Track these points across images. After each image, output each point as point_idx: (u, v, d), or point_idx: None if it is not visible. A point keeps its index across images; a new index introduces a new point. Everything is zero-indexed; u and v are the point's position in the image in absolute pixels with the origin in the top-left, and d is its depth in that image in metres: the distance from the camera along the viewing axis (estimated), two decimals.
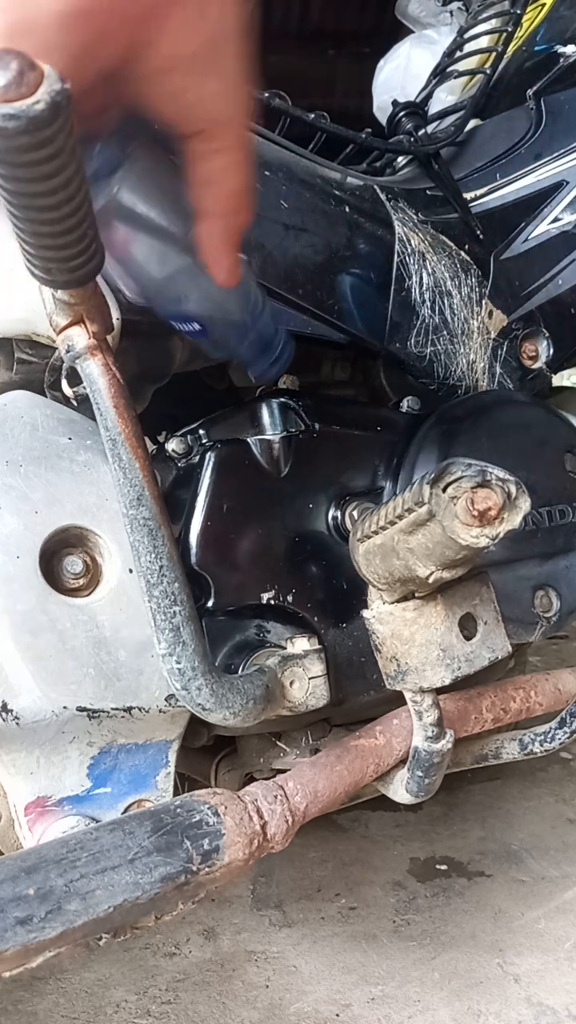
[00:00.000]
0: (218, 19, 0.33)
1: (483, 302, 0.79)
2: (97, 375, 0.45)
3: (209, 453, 0.62)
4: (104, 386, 0.45)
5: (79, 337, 0.44)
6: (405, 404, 0.76)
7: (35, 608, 0.52)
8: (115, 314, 0.53)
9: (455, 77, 0.97)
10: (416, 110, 0.91)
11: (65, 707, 0.52)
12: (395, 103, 0.92)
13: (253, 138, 0.37)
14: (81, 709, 0.53)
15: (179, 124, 0.37)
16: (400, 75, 1.48)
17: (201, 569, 0.60)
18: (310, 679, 0.61)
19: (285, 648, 0.62)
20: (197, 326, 0.54)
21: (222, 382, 0.77)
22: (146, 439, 0.56)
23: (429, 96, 0.96)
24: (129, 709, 0.54)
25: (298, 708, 0.60)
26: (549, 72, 0.87)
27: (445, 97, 1.00)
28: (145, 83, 0.34)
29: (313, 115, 0.75)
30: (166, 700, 0.56)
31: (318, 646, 0.62)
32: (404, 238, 0.74)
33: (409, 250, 0.74)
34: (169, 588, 0.47)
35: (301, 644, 0.62)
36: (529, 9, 0.93)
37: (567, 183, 0.83)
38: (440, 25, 1.56)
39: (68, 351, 0.45)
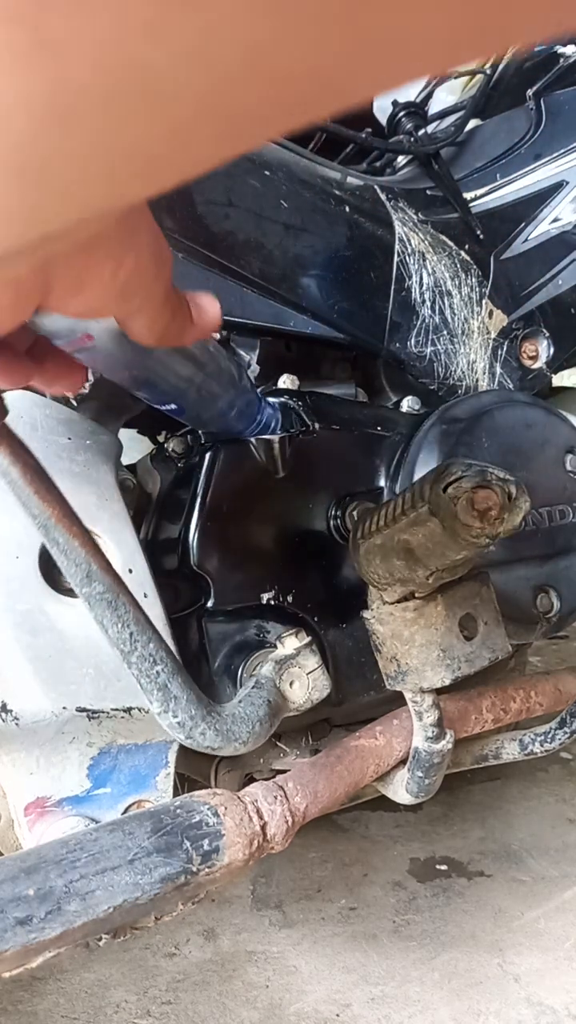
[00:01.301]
0: (134, 265, 0.29)
1: (483, 302, 0.79)
2: (7, 465, 0.42)
3: (209, 453, 0.62)
4: (17, 474, 0.43)
5: None
6: (405, 404, 0.76)
7: (34, 608, 0.52)
8: None
9: (455, 77, 0.97)
10: (416, 110, 0.91)
11: (65, 707, 0.52)
12: (395, 103, 0.91)
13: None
14: (81, 709, 0.53)
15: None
16: None
17: (201, 570, 0.60)
18: (308, 674, 0.60)
19: (276, 649, 0.62)
20: (174, 406, 0.55)
21: None
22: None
23: (429, 96, 0.96)
24: (129, 709, 0.54)
25: (304, 706, 0.59)
26: (549, 72, 0.87)
27: (445, 97, 1.00)
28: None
29: None
30: None
31: (307, 639, 0.62)
32: (404, 238, 0.74)
33: (409, 250, 0.74)
34: (145, 651, 0.46)
35: (291, 643, 0.61)
36: None
37: (567, 183, 0.83)
38: None
39: None
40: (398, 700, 0.60)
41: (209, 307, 0.38)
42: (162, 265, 0.32)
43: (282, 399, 0.65)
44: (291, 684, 0.59)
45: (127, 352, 0.50)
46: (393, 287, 0.73)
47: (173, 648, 0.56)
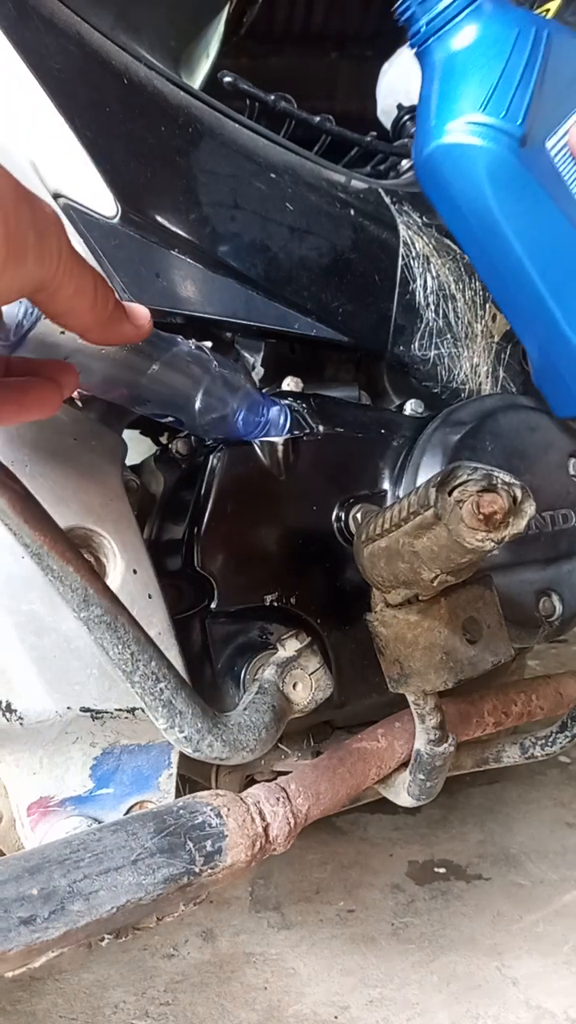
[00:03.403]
0: (21, 212, 0.32)
1: (487, 305, 0.79)
2: None
3: (213, 454, 0.62)
4: (6, 504, 0.42)
5: None
6: (409, 407, 0.76)
7: (39, 609, 0.52)
8: None
9: None
10: None
11: (69, 707, 0.52)
12: (400, 107, 0.92)
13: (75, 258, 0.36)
14: (85, 710, 0.53)
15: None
16: (404, 78, 1.47)
17: (205, 571, 0.60)
18: (311, 675, 0.60)
19: (277, 652, 0.62)
20: (171, 418, 0.56)
21: None
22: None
23: None
24: (132, 710, 0.55)
25: (308, 707, 0.59)
26: None
27: None
28: None
29: (319, 118, 0.75)
30: None
31: (307, 640, 0.62)
32: (408, 241, 0.74)
33: (413, 253, 0.74)
34: (147, 669, 0.46)
35: (292, 645, 0.61)
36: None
37: None
38: None
39: None
40: (400, 702, 0.60)
41: (140, 312, 0.41)
42: (55, 220, 0.35)
43: (286, 401, 0.66)
44: (294, 686, 0.59)
45: (118, 369, 0.50)
46: (397, 290, 0.73)
47: (177, 654, 0.56)
